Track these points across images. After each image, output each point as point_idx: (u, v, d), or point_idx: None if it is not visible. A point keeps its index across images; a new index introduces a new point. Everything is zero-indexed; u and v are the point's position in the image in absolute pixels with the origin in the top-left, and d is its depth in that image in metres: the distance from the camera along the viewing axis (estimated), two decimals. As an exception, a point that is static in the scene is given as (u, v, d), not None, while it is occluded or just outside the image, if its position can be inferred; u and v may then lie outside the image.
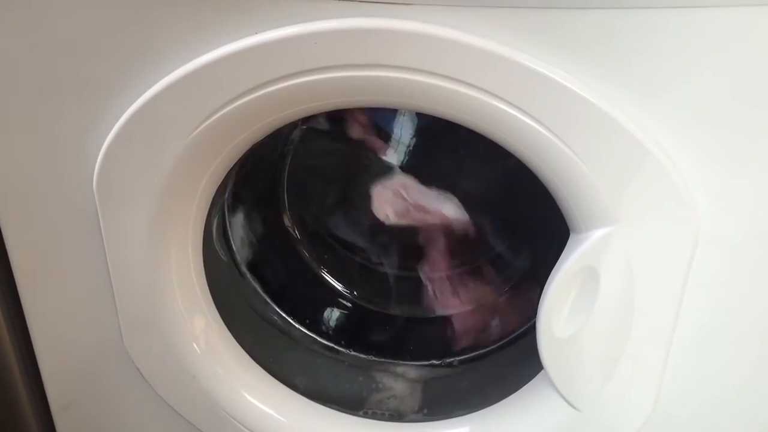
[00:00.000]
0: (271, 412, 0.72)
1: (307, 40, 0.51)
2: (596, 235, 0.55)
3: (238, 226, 0.81)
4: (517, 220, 0.83)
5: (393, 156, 0.83)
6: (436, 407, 0.75)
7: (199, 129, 0.55)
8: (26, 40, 0.54)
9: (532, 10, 0.49)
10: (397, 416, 0.75)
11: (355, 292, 0.88)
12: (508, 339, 0.79)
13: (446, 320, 0.85)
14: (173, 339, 0.67)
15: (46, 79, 0.56)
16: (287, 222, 0.88)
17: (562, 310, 0.59)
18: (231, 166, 0.63)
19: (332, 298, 0.88)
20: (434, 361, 0.81)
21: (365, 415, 0.75)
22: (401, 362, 0.81)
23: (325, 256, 0.88)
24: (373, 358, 0.82)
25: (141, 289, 0.65)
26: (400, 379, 0.80)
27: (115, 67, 0.55)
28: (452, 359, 0.81)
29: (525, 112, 0.51)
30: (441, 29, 0.50)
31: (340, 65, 0.52)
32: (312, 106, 0.57)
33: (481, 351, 0.80)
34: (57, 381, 0.74)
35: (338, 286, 0.88)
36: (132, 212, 0.61)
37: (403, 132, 0.82)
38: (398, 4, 0.49)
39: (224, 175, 0.64)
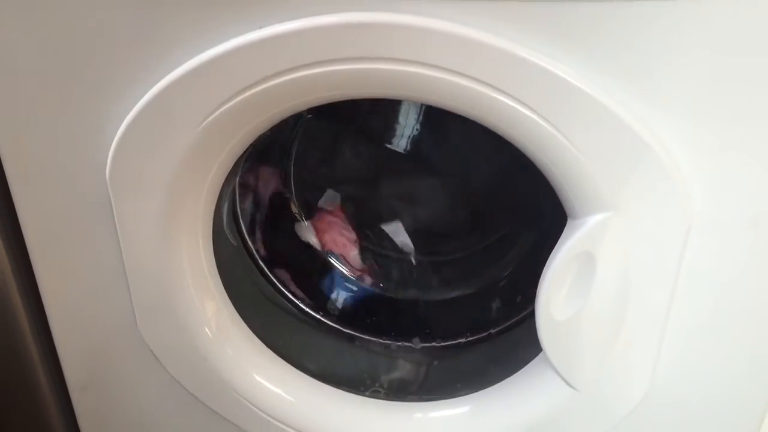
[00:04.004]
0: (279, 392, 0.73)
1: (309, 34, 0.51)
2: (593, 220, 0.56)
3: (247, 211, 0.82)
4: (516, 206, 0.83)
5: (397, 143, 0.84)
6: (438, 387, 0.76)
7: (208, 120, 0.56)
8: (40, 37, 0.55)
9: (528, 2, 0.49)
10: (401, 395, 0.76)
11: (361, 276, 0.89)
12: (508, 324, 0.80)
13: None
14: (185, 323, 0.68)
15: (59, 74, 0.57)
16: (294, 208, 0.89)
17: (559, 294, 0.59)
18: (240, 154, 0.64)
19: (339, 281, 0.89)
20: (438, 343, 0.82)
21: (370, 395, 0.76)
22: (405, 343, 0.82)
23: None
24: (378, 339, 0.82)
25: (153, 275, 0.66)
26: (405, 359, 0.81)
27: (126, 61, 0.56)
28: (456, 341, 0.82)
29: (522, 103, 0.52)
30: (439, 22, 0.50)
31: (343, 58, 0.52)
32: (316, 97, 0.57)
33: (484, 334, 0.81)
34: (74, 364, 0.75)
35: (344, 269, 0.89)
36: (144, 201, 0.61)
37: (407, 120, 0.82)
38: (397, -2, 0.50)
39: (233, 163, 0.64)
